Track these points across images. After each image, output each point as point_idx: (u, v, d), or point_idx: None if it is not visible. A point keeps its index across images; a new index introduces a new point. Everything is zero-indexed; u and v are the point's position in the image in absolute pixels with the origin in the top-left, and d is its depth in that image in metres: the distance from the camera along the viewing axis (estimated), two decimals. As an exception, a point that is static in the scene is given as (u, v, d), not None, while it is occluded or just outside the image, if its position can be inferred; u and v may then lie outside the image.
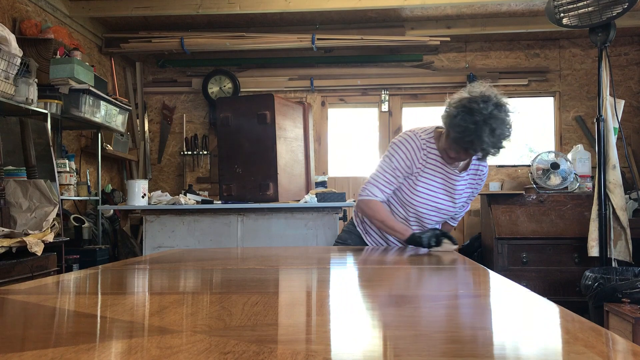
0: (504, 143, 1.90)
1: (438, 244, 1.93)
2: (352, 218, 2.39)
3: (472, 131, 1.84)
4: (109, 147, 4.73)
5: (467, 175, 2.13)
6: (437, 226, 2.21)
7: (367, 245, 2.28)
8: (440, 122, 2.03)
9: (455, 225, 2.40)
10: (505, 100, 1.91)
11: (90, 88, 3.76)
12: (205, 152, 5.36)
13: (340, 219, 3.25)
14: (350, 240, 2.33)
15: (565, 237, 3.93)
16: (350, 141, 5.50)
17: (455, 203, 2.12)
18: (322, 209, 3.20)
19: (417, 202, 2.08)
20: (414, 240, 2.00)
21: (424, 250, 1.94)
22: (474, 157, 2.06)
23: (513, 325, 0.81)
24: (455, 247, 1.95)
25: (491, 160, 5.96)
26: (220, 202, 3.40)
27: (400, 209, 2.14)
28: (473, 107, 1.84)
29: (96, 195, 4.34)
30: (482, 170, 2.16)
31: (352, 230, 2.34)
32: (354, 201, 3.34)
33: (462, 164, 2.08)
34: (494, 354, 0.65)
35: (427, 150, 2.05)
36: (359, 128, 5.53)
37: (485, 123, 1.83)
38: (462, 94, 1.92)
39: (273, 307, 0.90)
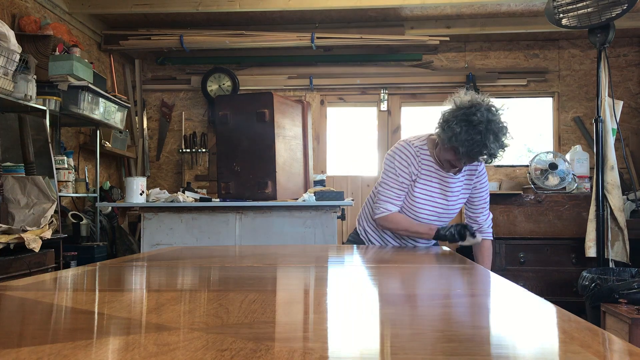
0: (507, 142, 1.97)
1: (462, 238, 2.05)
2: (355, 228, 2.44)
3: (479, 142, 1.91)
4: (108, 144, 4.72)
5: (462, 176, 2.19)
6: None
7: None
8: (431, 130, 2.12)
9: (490, 238, 2.32)
10: (490, 100, 1.99)
11: (89, 85, 3.76)
12: (203, 150, 5.36)
13: (338, 217, 3.25)
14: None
15: (563, 237, 3.93)
16: (349, 140, 5.50)
17: (449, 203, 2.17)
18: (320, 207, 3.19)
19: (417, 208, 2.15)
20: (440, 237, 2.12)
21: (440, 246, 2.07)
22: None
23: (510, 325, 0.81)
24: (478, 240, 2.08)
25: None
26: (218, 200, 3.40)
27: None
28: (472, 119, 1.91)
29: (94, 192, 4.33)
30: (476, 169, 2.20)
31: (355, 239, 2.41)
32: (352, 200, 3.34)
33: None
34: (491, 353, 0.65)
35: (421, 157, 2.13)
36: (358, 127, 5.53)
37: (488, 130, 1.90)
38: (452, 107, 1.99)
39: (270, 305, 0.90)
